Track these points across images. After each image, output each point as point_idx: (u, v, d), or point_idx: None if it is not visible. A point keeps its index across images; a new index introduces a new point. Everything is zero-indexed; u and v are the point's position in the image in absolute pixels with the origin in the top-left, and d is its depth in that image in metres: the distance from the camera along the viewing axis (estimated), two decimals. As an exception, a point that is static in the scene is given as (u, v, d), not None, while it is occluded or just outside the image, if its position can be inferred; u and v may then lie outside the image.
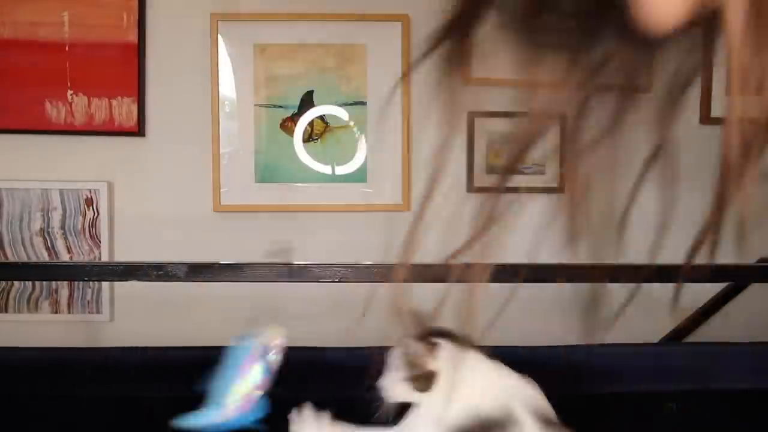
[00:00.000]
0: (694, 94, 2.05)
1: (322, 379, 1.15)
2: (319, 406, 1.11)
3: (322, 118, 1.98)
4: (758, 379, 1.19)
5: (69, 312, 1.97)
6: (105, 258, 1.94)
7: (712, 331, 1.89)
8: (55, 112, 1.92)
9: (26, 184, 1.94)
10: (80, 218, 1.95)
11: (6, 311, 1.96)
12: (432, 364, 0.84)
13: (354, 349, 1.24)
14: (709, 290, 1.84)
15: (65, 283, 1.95)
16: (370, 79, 1.97)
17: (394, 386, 0.86)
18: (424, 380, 0.84)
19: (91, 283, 1.95)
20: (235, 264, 1.32)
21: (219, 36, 1.94)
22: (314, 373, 1.17)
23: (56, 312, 1.97)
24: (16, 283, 1.95)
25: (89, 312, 1.98)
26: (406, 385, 0.85)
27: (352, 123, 1.97)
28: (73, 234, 1.95)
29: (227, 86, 1.95)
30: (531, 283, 1.36)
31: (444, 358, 0.85)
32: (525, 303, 1.13)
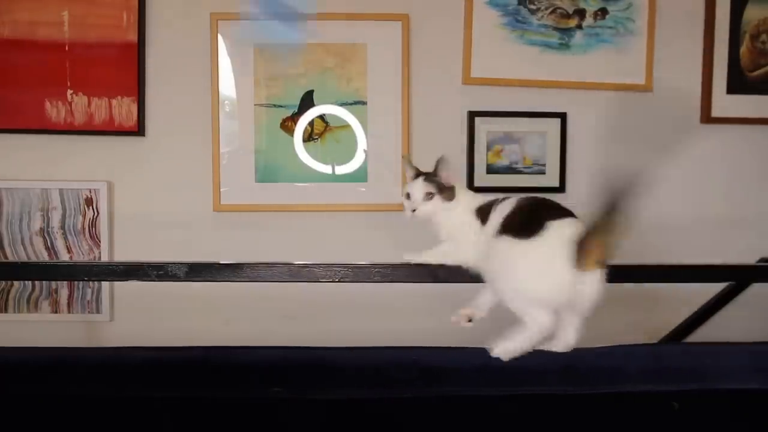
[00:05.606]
0: (695, 94, 2.04)
1: (322, 379, 1.15)
2: (320, 406, 1.11)
3: (322, 117, 1.98)
4: (758, 379, 1.19)
5: (69, 312, 1.97)
6: (105, 258, 1.94)
7: (712, 331, 1.88)
8: (54, 111, 1.92)
9: (26, 184, 1.94)
10: (80, 218, 1.95)
11: (6, 311, 1.96)
12: (452, 182, 1.25)
13: (354, 349, 1.24)
14: (709, 290, 1.83)
15: (65, 283, 1.95)
16: (370, 79, 1.97)
17: (427, 204, 1.23)
18: (449, 192, 1.24)
19: (91, 283, 1.96)
20: (235, 264, 1.32)
21: (219, 36, 1.94)
22: (314, 373, 1.16)
23: (56, 312, 1.97)
24: (16, 283, 1.95)
25: (89, 312, 1.98)
26: (437, 198, 1.23)
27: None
28: (73, 234, 1.95)
29: (227, 86, 1.95)
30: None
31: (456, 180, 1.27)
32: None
